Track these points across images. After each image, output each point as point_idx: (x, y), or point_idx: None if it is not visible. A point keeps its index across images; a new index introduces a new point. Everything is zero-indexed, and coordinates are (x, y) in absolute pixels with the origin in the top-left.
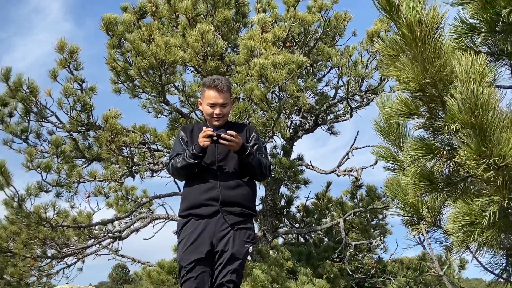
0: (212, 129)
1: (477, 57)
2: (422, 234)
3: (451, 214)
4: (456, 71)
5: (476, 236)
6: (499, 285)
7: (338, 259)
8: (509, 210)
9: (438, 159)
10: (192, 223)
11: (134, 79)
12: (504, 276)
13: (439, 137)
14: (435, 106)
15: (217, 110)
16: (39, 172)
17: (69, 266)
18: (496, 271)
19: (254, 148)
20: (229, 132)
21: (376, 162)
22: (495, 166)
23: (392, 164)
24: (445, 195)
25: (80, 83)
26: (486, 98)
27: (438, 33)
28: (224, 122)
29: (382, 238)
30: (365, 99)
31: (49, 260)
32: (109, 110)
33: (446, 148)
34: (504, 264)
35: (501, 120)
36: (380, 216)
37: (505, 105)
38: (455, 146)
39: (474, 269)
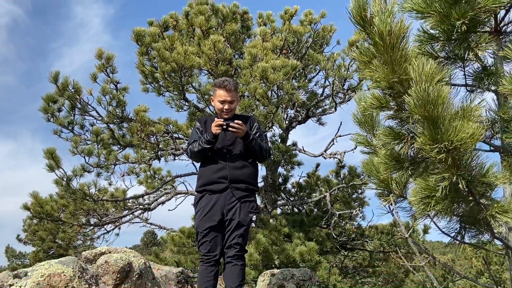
0: (222, 120)
1: (427, 61)
2: (392, 204)
3: (413, 189)
4: (410, 74)
5: (432, 206)
6: (454, 246)
7: (325, 226)
8: (459, 185)
9: (404, 144)
10: (207, 197)
11: (159, 80)
12: (459, 238)
13: (405, 126)
14: (401, 100)
15: (226, 106)
16: (83, 156)
17: (108, 232)
18: (452, 234)
19: (256, 135)
20: (236, 121)
21: (356, 147)
22: (445, 150)
23: (367, 148)
24: (409, 172)
25: (115, 84)
26: (436, 95)
27: (404, 41)
28: (232, 115)
29: (360, 208)
30: (347, 96)
31: (92, 227)
32: (139, 105)
33: (410, 135)
34: (458, 228)
35: (450, 112)
36: (359, 191)
37: (457, 99)
38: (416, 134)
39: (435, 233)
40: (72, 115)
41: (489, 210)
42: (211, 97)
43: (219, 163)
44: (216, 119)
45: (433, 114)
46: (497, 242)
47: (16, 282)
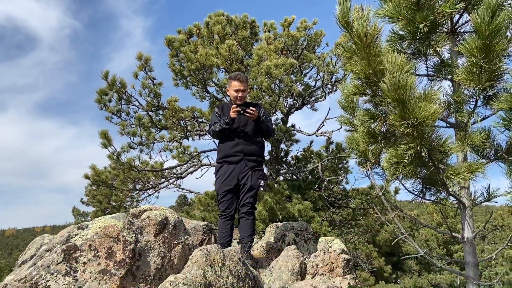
0: (237, 106)
1: (399, 56)
2: (368, 170)
3: (385, 157)
4: (385, 65)
5: (401, 170)
6: (417, 202)
7: (317, 189)
8: (422, 153)
9: (378, 122)
10: (225, 167)
11: (186, 77)
12: (421, 196)
13: (378, 108)
14: (375, 88)
15: (239, 94)
16: (129, 136)
17: (150, 195)
18: (416, 193)
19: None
20: (251, 107)
21: (341, 127)
22: (412, 125)
23: (350, 126)
24: (382, 145)
25: (152, 80)
26: (405, 81)
27: (377, 40)
28: (243, 102)
29: (345, 175)
30: (334, 87)
31: (137, 191)
32: (171, 96)
33: (383, 115)
34: (420, 188)
35: (415, 96)
36: (344, 161)
37: (421, 86)
38: (388, 113)
39: (404, 194)
40: (120, 104)
41: (445, 173)
42: (227, 88)
43: (235, 140)
44: (233, 105)
45: (402, 97)
46: (452, 198)
47: (80, 232)
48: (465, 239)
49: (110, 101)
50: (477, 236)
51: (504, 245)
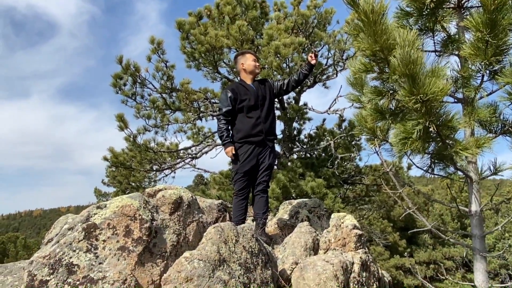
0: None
1: (410, 32)
2: (377, 147)
3: (394, 132)
4: (397, 40)
5: (409, 145)
6: (430, 177)
7: (330, 166)
8: (430, 129)
9: (386, 99)
10: (245, 147)
11: (198, 59)
12: (429, 171)
13: (386, 85)
14: (383, 65)
15: (257, 63)
16: (144, 119)
17: (166, 175)
18: (424, 168)
19: (282, 82)
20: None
21: (352, 104)
22: (421, 101)
23: (358, 104)
24: (390, 121)
25: (165, 63)
26: (415, 57)
27: (384, 17)
28: (260, 72)
29: (358, 152)
30: (345, 65)
31: (154, 172)
32: (183, 79)
33: (390, 91)
34: (429, 163)
35: (425, 71)
36: (357, 138)
37: (428, 62)
38: (396, 90)
39: (416, 170)
40: (134, 88)
41: (453, 148)
42: (240, 63)
43: (254, 118)
44: (228, 151)
45: (413, 72)
46: (459, 173)
47: (99, 211)
48: (472, 213)
49: (125, 84)
50: (486, 209)
51: (510, 217)
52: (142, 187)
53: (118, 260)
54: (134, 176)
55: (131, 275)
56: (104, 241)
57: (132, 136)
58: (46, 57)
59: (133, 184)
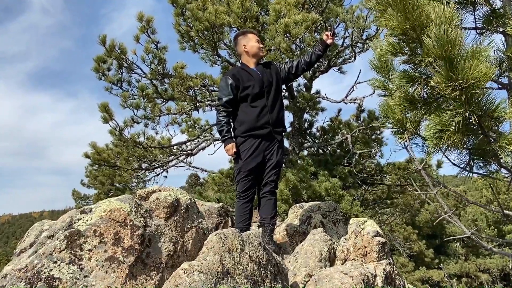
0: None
1: (447, 6)
2: (406, 141)
3: (427, 125)
4: (431, 16)
5: (445, 139)
6: (464, 176)
7: (347, 164)
8: (470, 120)
9: (417, 85)
10: (250, 141)
11: (194, 38)
12: (468, 169)
13: (418, 69)
14: (414, 46)
15: (261, 44)
16: (132, 109)
17: (157, 175)
18: (462, 166)
19: (290, 64)
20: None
21: (374, 91)
22: (460, 87)
23: (384, 91)
24: (422, 112)
25: (155, 43)
26: (454, 36)
27: None
28: (265, 55)
29: (379, 147)
30: (365, 46)
31: (143, 171)
32: (177, 62)
33: (423, 77)
34: (467, 160)
35: (465, 52)
36: (378, 132)
37: (469, 41)
38: (430, 75)
39: (448, 168)
40: (120, 73)
41: (498, 142)
42: (242, 44)
43: (260, 108)
44: (229, 149)
45: (451, 54)
46: (503, 171)
47: (83, 217)
48: None
49: (109, 69)
50: None
51: None
52: (128, 189)
53: (106, 272)
54: (119, 175)
55: None
56: (89, 250)
57: (118, 129)
58: (14, 37)
59: (118, 185)
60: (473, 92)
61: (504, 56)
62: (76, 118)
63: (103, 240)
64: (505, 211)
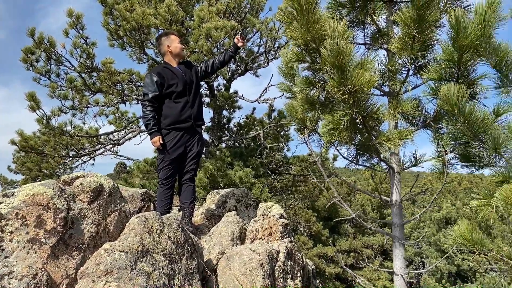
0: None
1: (340, 22)
2: (306, 137)
3: (322, 123)
4: (328, 31)
5: (336, 136)
6: (353, 168)
7: (259, 156)
8: (356, 120)
9: (316, 89)
10: (173, 133)
11: (123, 37)
12: (355, 161)
13: (317, 76)
14: (314, 55)
15: (183, 45)
16: (59, 100)
17: (84, 162)
18: (350, 159)
19: (206, 64)
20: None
21: (283, 94)
22: (349, 92)
23: (289, 94)
24: (319, 112)
25: (84, 39)
26: (344, 48)
27: (317, 7)
28: (188, 55)
29: (286, 142)
30: (277, 53)
31: (70, 158)
32: (106, 58)
33: (321, 82)
34: (354, 154)
35: (354, 62)
36: (286, 129)
37: (358, 54)
38: (326, 80)
39: (342, 161)
40: (49, 65)
41: (378, 139)
42: (166, 44)
43: (182, 103)
44: (155, 141)
45: (342, 63)
46: (383, 164)
47: (5, 200)
48: (393, 202)
49: (37, 60)
50: (404, 200)
51: (427, 207)
52: (56, 175)
53: (28, 253)
54: (47, 162)
55: (43, 269)
56: (11, 232)
57: (45, 118)
58: None
59: (45, 171)
60: (359, 96)
61: (386, 68)
62: (7, 107)
63: (25, 223)
64: (382, 196)
